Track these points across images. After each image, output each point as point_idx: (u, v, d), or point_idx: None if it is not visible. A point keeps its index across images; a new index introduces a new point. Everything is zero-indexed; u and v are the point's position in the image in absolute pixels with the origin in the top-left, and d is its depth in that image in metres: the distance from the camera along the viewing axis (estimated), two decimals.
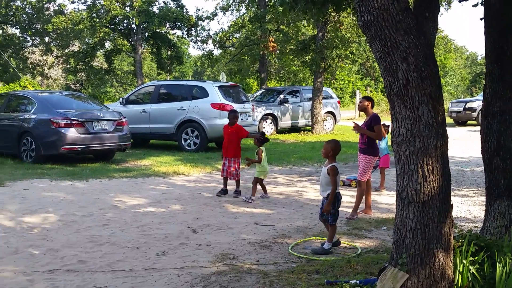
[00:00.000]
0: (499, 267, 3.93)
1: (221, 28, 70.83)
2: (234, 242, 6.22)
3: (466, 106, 25.27)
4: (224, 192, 9.06)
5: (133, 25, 31.81)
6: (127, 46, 33.83)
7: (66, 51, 38.06)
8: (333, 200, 5.92)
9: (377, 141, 8.07)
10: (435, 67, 3.77)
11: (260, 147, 8.85)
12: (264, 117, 20.85)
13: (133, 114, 15.50)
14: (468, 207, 8.19)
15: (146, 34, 32.48)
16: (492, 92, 4.80)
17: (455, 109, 26.10)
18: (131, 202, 8.42)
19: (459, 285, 4.00)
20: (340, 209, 7.87)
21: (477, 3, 5.19)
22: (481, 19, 4.94)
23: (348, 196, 8.97)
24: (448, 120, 26.96)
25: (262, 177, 8.91)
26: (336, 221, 5.98)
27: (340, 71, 42.19)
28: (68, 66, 36.39)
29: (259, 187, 8.89)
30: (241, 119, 13.37)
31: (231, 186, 9.29)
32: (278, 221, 7.29)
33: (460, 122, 26.13)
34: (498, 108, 4.75)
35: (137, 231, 6.69)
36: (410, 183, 3.75)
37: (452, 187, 9.55)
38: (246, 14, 31.29)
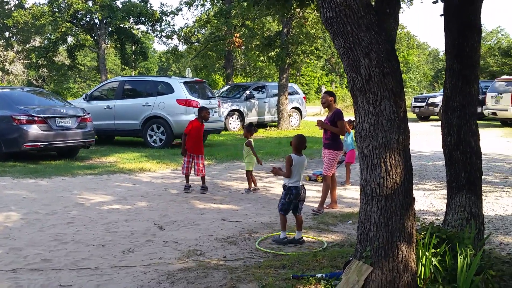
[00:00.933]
0: (460, 258, 4.03)
1: (186, 23, 70.01)
2: (201, 238, 6.22)
3: (429, 102, 25.78)
4: (189, 188, 9.05)
5: (96, 20, 31.29)
6: (90, 41, 33.26)
7: (27, 46, 37.15)
8: (286, 191, 6.04)
9: (343, 136, 8.16)
10: (397, 63, 3.84)
11: (250, 139, 8.97)
12: (231, 113, 20.85)
13: (97, 110, 15.30)
14: (431, 200, 8.35)
15: (110, 29, 31.98)
16: (452, 87, 4.90)
17: (418, 104, 26.60)
18: (96, 199, 8.32)
19: (422, 276, 4.08)
20: (306, 203, 8.00)
21: (437, 0, 5.29)
22: (441, 15, 5.03)
23: (314, 191, 9.05)
24: (411, 115, 27.44)
25: (251, 169, 9.07)
26: (286, 213, 6.04)
27: (306, 67, 42.42)
28: (30, 61, 35.58)
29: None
30: None
31: (192, 182, 9.28)
32: (245, 217, 7.31)
33: (423, 117, 26.63)
34: (458, 103, 4.85)
35: (102, 229, 6.62)
36: (373, 177, 3.81)
37: (415, 181, 9.74)
38: (211, 9, 31.12)
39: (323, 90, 34.07)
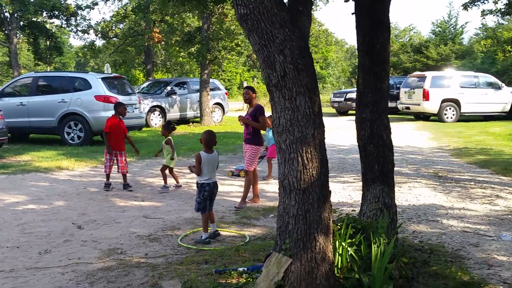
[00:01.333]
0: (375, 247, 4.20)
1: (103, 18, 67.80)
2: (121, 237, 6.13)
3: (347, 97, 26.55)
4: (110, 185, 8.90)
5: (7, 14, 29.80)
6: (1, 36, 31.65)
7: None
8: (199, 189, 6.05)
9: (264, 131, 8.26)
10: (310, 60, 3.94)
11: (169, 137, 8.88)
12: (152, 109, 20.62)
13: (10, 107, 14.69)
14: (349, 192, 8.62)
15: (21, 23, 30.53)
16: (364, 83, 5.08)
17: (337, 99, 27.36)
18: (9, 199, 7.99)
19: (339, 266, 4.22)
20: (228, 199, 8.06)
21: None
22: (352, 13, 5.19)
23: (236, 186, 9.14)
24: (331, 110, 28.19)
25: (172, 166, 8.93)
26: (204, 211, 6.01)
27: (227, 62, 42.53)
28: None
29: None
30: (128, 112, 13.15)
31: (112, 180, 9.12)
32: (167, 213, 7.27)
33: (342, 112, 27.41)
34: (370, 98, 5.04)
35: (17, 230, 6.38)
36: (291, 171, 3.90)
37: (334, 174, 10.00)
38: (129, 4, 30.50)
39: (245, 85, 34.35)
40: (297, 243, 3.93)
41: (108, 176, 8.96)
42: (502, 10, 10.47)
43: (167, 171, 8.97)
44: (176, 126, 9.62)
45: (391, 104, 24.23)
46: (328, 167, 4.09)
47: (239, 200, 7.79)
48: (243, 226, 6.63)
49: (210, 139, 6.13)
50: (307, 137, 3.85)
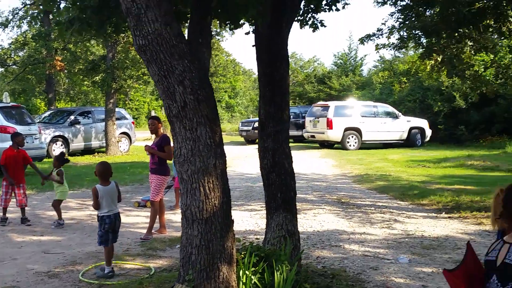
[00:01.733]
0: (277, 274, 4.28)
1: (1, 45, 64.89)
2: (18, 274, 5.82)
3: (255, 126, 26.90)
4: (6, 220, 8.44)
5: None
6: None
7: None
8: (100, 222, 5.91)
9: (170, 161, 8.20)
10: (210, 90, 4.01)
11: (61, 168, 8.48)
12: (54, 139, 19.86)
13: None
14: (256, 220, 8.70)
15: None
16: (266, 113, 5.22)
17: (245, 128, 27.67)
18: None
19: None
20: (134, 230, 7.90)
21: (249, 31, 5.60)
22: (253, 46, 5.34)
23: (143, 217, 8.96)
24: (239, 138, 28.46)
25: (64, 198, 8.54)
26: (108, 244, 5.87)
27: (135, 91, 41.90)
28: None
29: None
30: (27, 142, 12.59)
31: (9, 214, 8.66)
32: (68, 248, 7.00)
33: (250, 140, 27.71)
34: (272, 128, 5.18)
35: None
36: (193, 201, 3.91)
37: (242, 202, 10.04)
38: (29, 31, 29.42)
39: (153, 114, 33.98)
40: (200, 273, 3.92)
41: (4, 210, 8.50)
42: (395, 44, 11.17)
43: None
44: (69, 159, 9.26)
45: (297, 133, 24.94)
46: (231, 197, 4.13)
47: (145, 231, 7.65)
48: (148, 258, 6.51)
49: (104, 171, 5.98)
50: (208, 167, 3.88)
